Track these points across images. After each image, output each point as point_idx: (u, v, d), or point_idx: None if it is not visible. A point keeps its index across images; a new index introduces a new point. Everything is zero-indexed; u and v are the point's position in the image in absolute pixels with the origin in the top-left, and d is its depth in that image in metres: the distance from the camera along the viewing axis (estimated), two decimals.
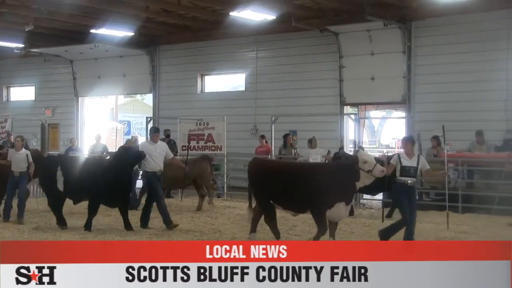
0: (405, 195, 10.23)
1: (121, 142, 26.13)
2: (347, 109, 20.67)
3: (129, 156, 12.14)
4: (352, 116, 19.19)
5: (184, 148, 18.71)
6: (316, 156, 15.77)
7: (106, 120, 32.81)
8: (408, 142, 10.50)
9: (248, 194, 11.28)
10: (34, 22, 20.86)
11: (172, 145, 19.25)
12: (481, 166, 15.82)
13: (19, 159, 13.27)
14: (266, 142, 18.68)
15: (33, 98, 27.92)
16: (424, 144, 16.91)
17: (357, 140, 18.07)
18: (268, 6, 17.89)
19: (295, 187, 10.42)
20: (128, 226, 12.01)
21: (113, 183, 11.85)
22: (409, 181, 10.18)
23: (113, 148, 22.26)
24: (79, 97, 26.48)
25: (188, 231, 12.02)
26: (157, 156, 12.40)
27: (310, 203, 10.24)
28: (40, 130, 25.08)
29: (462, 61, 17.78)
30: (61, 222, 12.34)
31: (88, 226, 11.99)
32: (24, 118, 25.74)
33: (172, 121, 20.52)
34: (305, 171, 10.95)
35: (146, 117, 21.58)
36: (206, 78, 23.59)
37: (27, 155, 13.26)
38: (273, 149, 18.37)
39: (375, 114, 27.70)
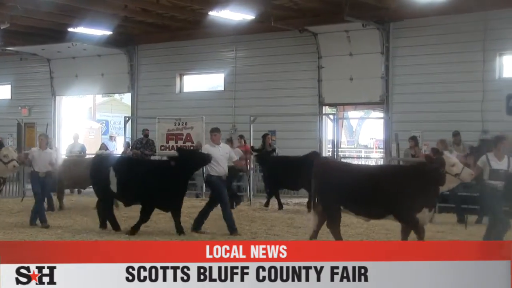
0: (496, 201, 9.70)
1: (98, 142, 26.05)
2: (326, 109, 20.74)
3: (195, 160, 11.54)
4: (331, 116, 19.25)
5: (162, 148, 18.63)
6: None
7: (83, 119, 32.58)
8: (502, 141, 9.71)
9: (311, 197, 10.51)
10: (10, 20, 20.62)
11: (150, 145, 19.22)
12: None
13: (45, 159, 12.61)
14: (244, 142, 18.65)
15: (9, 97, 27.63)
16: (401, 144, 17.01)
17: (335, 140, 18.14)
18: (247, 6, 17.88)
19: (376, 190, 9.53)
20: (180, 229, 11.37)
21: (172, 187, 11.34)
22: (498, 185, 9.61)
23: (91, 148, 22.18)
24: (57, 96, 26.26)
25: (165, 232, 11.96)
26: (221, 159, 11.67)
27: (397, 207, 9.47)
28: (16, 129, 24.77)
29: (440, 62, 17.94)
30: (115, 226, 11.77)
31: (135, 230, 11.35)
32: (0, 117, 25.45)
33: (151, 121, 20.43)
34: (386, 173, 10.22)
35: (125, 117, 21.45)
36: (185, 77, 23.53)
37: (51, 154, 12.69)
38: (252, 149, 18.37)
39: (353, 114, 27.85)
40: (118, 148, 22.78)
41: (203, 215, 11.81)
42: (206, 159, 11.43)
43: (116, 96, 36.68)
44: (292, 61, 20.52)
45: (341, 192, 9.67)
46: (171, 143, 18.70)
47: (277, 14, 19.03)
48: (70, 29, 20.87)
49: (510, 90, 16.97)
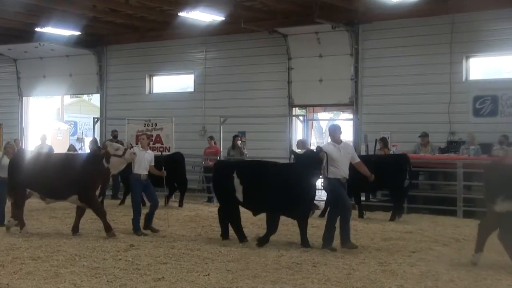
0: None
1: (67, 143, 25.79)
2: (296, 110, 20.80)
3: (314, 162, 10.44)
4: (301, 118, 19.36)
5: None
6: None
7: (51, 120, 32.22)
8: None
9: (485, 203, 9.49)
10: None
11: None
12: (426, 167, 16.14)
13: (147, 160, 12.05)
14: (214, 143, 18.65)
15: None
16: (371, 145, 17.14)
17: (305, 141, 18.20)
18: (217, 7, 17.86)
19: None
20: (305, 242, 10.54)
21: (299, 193, 10.51)
22: None
23: (59, 149, 21.91)
24: (24, 97, 25.94)
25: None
26: (341, 160, 10.41)
27: None
28: None
29: (408, 64, 18.13)
30: (241, 236, 10.93)
31: (265, 241, 10.58)
32: None
33: (120, 122, 20.27)
34: None
35: (93, 118, 21.29)
36: (155, 78, 23.40)
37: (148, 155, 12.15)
38: (222, 150, 18.37)
39: (323, 115, 27.93)
40: (86, 148, 22.56)
41: (331, 226, 10.51)
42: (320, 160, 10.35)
43: (85, 97, 36.36)
44: (262, 62, 20.55)
45: None
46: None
47: (247, 15, 19.03)
48: (38, 29, 20.61)
49: (476, 92, 17.22)
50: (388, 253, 10.17)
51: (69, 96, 32.35)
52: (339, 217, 10.41)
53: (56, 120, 33.44)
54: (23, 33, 22.56)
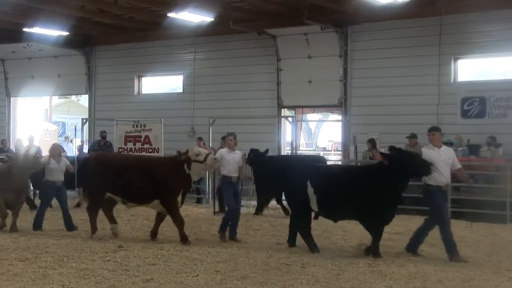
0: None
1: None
2: (285, 111, 20.82)
3: (412, 167, 9.64)
4: (290, 119, 19.38)
5: (120, 150, 18.42)
6: None
7: (39, 121, 32.05)
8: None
9: None
10: None
11: (108, 147, 19.01)
12: None
13: (235, 161, 11.52)
14: (203, 144, 18.60)
15: None
16: (359, 146, 17.19)
17: (294, 143, 18.23)
18: (206, 8, 17.85)
19: None
20: (376, 252, 9.83)
21: (391, 199, 9.82)
22: None
23: (47, 150, 21.76)
24: (11, 97, 25.78)
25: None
26: (442, 165, 9.73)
27: None
28: None
29: (397, 66, 18.19)
30: (314, 247, 10.25)
31: (377, 255, 9.81)
32: None
33: (109, 123, 20.18)
34: None
35: (82, 119, 21.18)
36: (143, 79, 23.34)
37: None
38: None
39: (312, 117, 27.99)
40: (74, 150, 22.47)
41: (420, 235, 10.08)
42: (426, 167, 9.55)
43: (73, 97, 36.19)
44: (251, 63, 20.55)
45: None
46: (129, 145, 18.50)
47: (236, 16, 19.03)
48: (26, 29, 20.50)
49: (464, 94, 17.31)
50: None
51: (57, 96, 32.19)
52: (441, 230, 9.80)
53: (44, 121, 33.26)
54: (11, 33, 22.43)
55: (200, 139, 18.77)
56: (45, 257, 9.56)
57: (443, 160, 9.75)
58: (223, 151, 11.74)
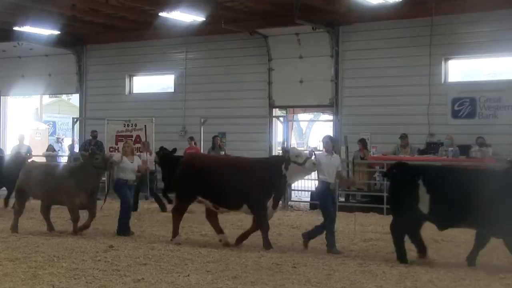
0: None
1: (45, 143, 25.55)
2: (276, 111, 20.82)
3: None
4: (281, 119, 19.38)
5: (111, 149, 18.36)
6: None
7: (30, 120, 31.91)
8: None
9: None
10: None
11: (99, 146, 18.96)
12: None
13: (334, 165, 10.66)
14: (195, 143, 18.61)
15: None
16: (351, 146, 17.21)
17: (285, 143, 18.24)
18: (198, 8, 17.82)
19: None
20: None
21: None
22: None
23: (37, 149, 21.72)
24: (1, 96, 25.66)
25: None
26: None
27: None
28: None
29: (388, 66, 18.23)
30: (403, 258, 9.51)
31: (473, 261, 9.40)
32: None
33: (100, 122, 20.14)
34: None
35: (73, 118, 21.11)
36: (135, 78, 23.29)
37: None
38: (202, 151, 18.31)
39: (303, 116, 28.01)
40: (65, 149, 22.43)
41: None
42: None
43: (64, 96, 36.05)
44: (243, 63, 20.54)
45: None
46: (121, 144, 18.45)
47: (227, 16, 19.01)
48: (16, 28, 20.40)
49: (455, 94, 17.38)
50: (367, 254, 10.20)
51: (48, 96, 32.08)
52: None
53: (34, 120, 33.11)
54: (1, 32, 22.28)
55: (191, 138, 18.80)
56: (35, 257, 9.52)
57: None
58: (321, 154, 10.80)
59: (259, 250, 10.33)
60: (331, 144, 10.83)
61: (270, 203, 10.53)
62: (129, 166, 12.00)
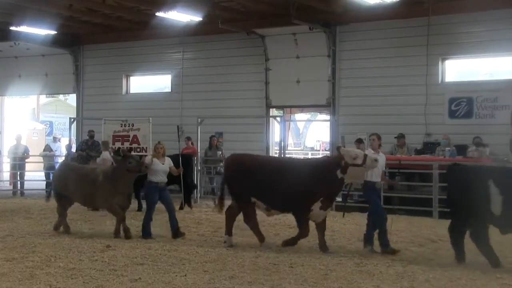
0: None
1: (42, 143, 25.53)
2: (273, 111, 20.83)
3: None
4: (278, 119, 19.39)
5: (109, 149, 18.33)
6: None
7: (27, 120, 31.88)
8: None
9: None
10: None
11: (95, 146, 18.93)
12: (402, 168, 16.24)
13: (380, 165, 10.53)
14: (192, 143, 18.62)
15: None
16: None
17: (282, 142, 18.26)
18: (195, 8, 17.81)
19: None
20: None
21: None
22: None
23: (34, 149, 21.71)
24: None
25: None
26: None
27: None
28: None
29: (385, 66, 18.24)
30: (460, 257, 9.44)
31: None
32: None
33: (96, 122, 20.08)
34: None
35: (70, 118, 21.09)
36: (132, 78, 23.27)
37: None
38: (199, 150, 18.34)
39: (300, 116, 28.04)
40: (62, 149, 22.39)
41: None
42: None
43: (61, 96, 36.04)
44: (240, 63, 20.54)
45: None
46: (118, 144, 18.43)
47: (224, 16, 19.02)
48: (13, 28, 20.37)
49: (452, 94, 17.40)
50: (364, 254, 10.21)
51: (45, 95, 32.05)
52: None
53: (31, 120, 33.09)
54: None
55: (188, 138, 18.79)
56: (32, 257, 9.52)
57: None
58: (368, 152, 10.65)
59: (256, 250, 10.33)
60: (378, 142, 10.65)
61: (317, 204, 10.32)
62: (160, 168, 11.75)
